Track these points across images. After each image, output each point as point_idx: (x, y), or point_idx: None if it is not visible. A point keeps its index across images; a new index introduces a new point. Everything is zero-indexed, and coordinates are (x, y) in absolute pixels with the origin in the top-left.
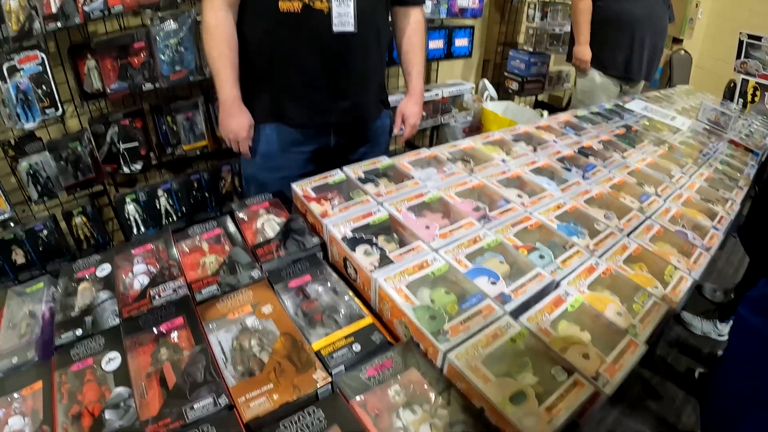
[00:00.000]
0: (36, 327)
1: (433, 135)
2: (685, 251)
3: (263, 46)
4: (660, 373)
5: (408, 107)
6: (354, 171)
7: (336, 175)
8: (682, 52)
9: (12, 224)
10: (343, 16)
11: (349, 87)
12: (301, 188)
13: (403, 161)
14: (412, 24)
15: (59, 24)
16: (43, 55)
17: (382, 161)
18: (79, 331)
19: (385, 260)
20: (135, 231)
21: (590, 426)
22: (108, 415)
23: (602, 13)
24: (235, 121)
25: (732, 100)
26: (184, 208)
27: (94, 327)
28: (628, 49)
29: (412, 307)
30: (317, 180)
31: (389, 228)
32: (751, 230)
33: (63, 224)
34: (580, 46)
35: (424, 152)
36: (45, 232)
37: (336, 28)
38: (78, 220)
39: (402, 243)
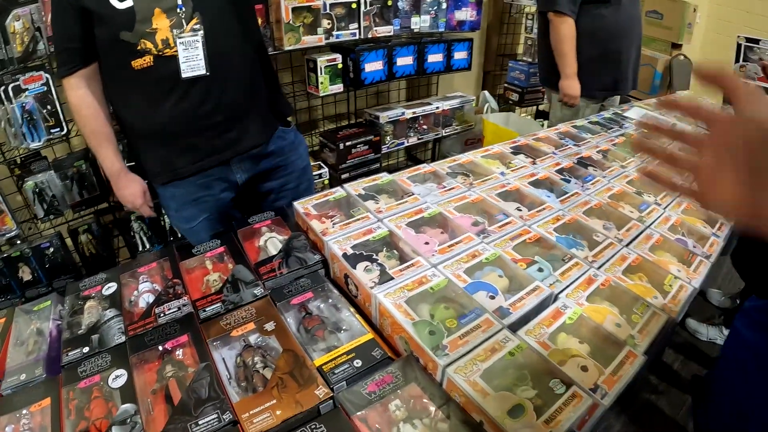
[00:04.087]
0: (43, 344)
1: (435, 148)
2: (686, 260)
3: (130, 108)
4: (667, 379)
5: None
6: (354, 188)
7: (337, 193)
8: (682, 57)
9: (18, 242)
10: (192, 60)
11: (225, 121)
12: (303, 206)
13: (403, 177)
14: None
15: None
16: (48, 76)
17: (383, 177)
18: (86, 349)
19: (385, 276)
20: (140, 248)
21: None
22: (115, 430)
23: (583, 30)
24: (128, 191)
25: None
26: None
27: (101, 344)
28: (616, 67)
29: (411, 322)
30: (318, 198)
31: (390, 244)
32: (743, 253)
33: (69, 241)
34: (567, 79)
35: (424, 167)
36: (51, 249)
37: (185, 74)
38: (83, 237)
39: (402, 259)
